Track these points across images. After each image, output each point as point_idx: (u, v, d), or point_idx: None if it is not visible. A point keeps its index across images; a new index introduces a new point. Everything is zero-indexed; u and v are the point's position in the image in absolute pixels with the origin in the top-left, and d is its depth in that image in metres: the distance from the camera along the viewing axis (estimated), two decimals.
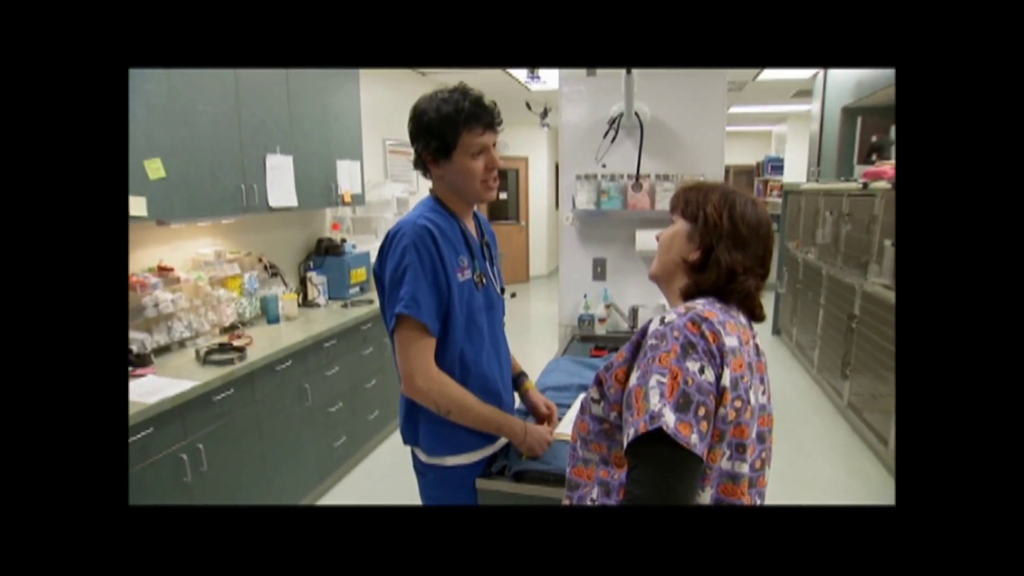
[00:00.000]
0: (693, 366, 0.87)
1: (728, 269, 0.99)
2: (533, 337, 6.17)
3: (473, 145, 1.30)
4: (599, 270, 2.81)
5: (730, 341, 0.92)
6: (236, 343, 2.60)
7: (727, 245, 1.00)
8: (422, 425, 1.36)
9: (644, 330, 0.96)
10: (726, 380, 0.89)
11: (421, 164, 1.36)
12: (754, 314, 1.05)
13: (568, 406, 1.74)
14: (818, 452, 3.49)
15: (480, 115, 1.29)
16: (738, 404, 0.90)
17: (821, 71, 4.98)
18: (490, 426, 1.35)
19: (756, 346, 1.04)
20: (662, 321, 0.93)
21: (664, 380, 0.86)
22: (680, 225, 1.07)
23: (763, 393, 1.02)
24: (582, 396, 1.07)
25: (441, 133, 1.28)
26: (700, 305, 0.95)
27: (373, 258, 1.47)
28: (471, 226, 1.44)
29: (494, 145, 1.35)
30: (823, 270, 4.39)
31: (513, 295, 6.69)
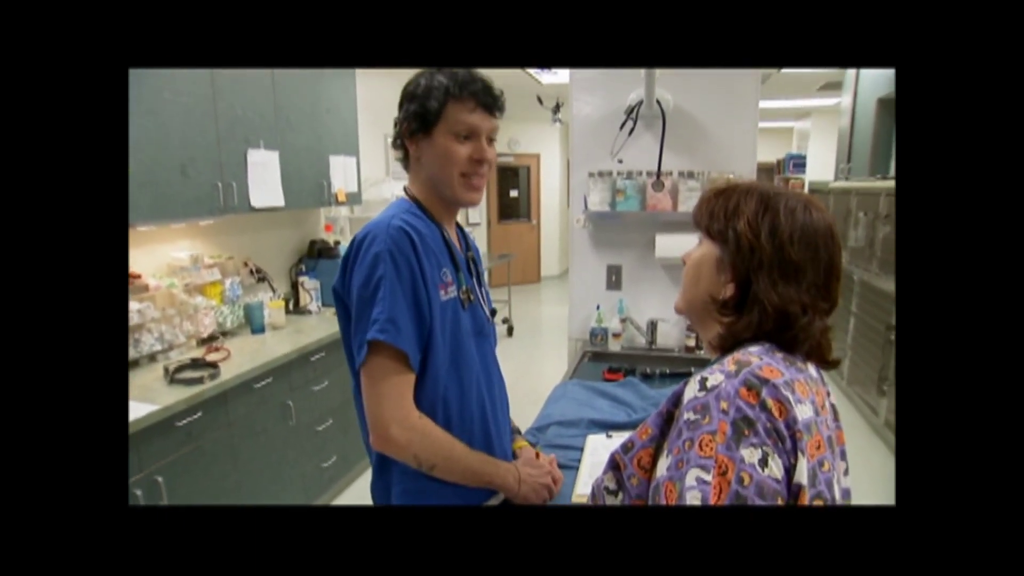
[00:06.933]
0: (751, 455, 0.60)
1: (777, 311, 0.70)
2: (544, 346, 5.83)
3: (460, 123, 1.03)
4: (613, 278, 2.52)
5: (803, 412, 0.63)
6: (211, 357, 2.36)
7: (770, 276, 0.71)
8: (396, 484, 1.09)
9: (677, 396, 0.68)
10: (801, 474, 0.61)
11: (401, 144, 1.11)
12: (824, 360, 0.76)
13: (576, 448, 1.46)
14: (852, 477, 3.16)
15: (475, 89, 1.04)
16: (818, 505, 0.63)
17: None
18: (480, 479, 1.07)
19: (832, 407, 0.76)
20: (702, 385, 0.65)
21: (708, 477, 0.59)
22: (707, 248, 0.78)
23: (845, 473, 0.74)
24: (594, 479, 0.78)
25: (424, 99, 1.03)
26: (756, 358, 0.66)
27: None
28: (454, 236, 1.17)
29: (491, 140, 1.08)
30: (855, 275, 4.07)
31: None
